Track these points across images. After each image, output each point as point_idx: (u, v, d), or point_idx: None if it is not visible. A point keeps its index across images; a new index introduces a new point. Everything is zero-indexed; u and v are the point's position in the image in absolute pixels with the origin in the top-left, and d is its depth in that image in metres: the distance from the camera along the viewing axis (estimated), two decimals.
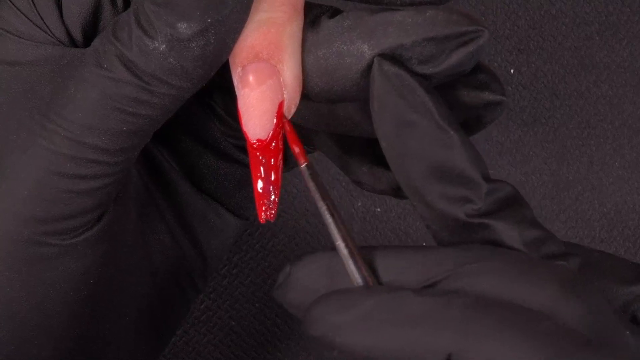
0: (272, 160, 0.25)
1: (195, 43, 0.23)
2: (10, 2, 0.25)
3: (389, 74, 0.23)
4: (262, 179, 0.25)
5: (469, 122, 0.26)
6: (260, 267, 0.44)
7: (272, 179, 0.25)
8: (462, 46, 0.23)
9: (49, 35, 0.25)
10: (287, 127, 0.25)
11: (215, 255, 0.32)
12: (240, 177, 0.31)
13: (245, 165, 0.31)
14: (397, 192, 0.29)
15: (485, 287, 0.21)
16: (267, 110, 0.24)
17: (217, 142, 0.31)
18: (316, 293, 0.23)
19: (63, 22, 0.25)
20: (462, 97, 0.25)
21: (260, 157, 0.25)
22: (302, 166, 0.25)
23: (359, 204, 0.45)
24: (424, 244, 0.47)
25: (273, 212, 0.26)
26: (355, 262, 0.23)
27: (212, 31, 0.23)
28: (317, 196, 0.24)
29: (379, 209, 0.46)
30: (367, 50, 0.24)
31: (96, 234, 0.26)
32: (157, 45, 0.23)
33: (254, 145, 0.25)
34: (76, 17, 0.26)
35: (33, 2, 0.25)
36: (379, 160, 0.29)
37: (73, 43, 0.26)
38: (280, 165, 0.25)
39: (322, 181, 0.24)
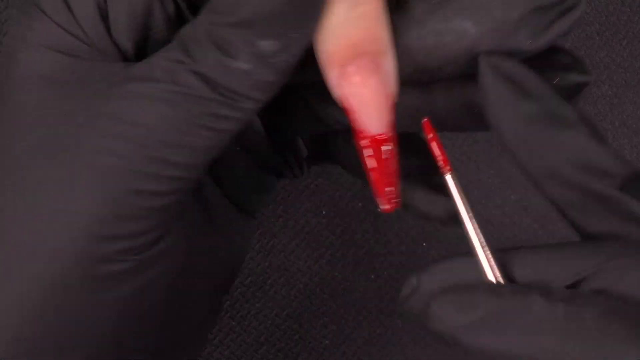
0: (388, 152, 0.25)
1: (280, 57, 0.23)
2: (51, 18, 0.25)
3: (497, 64, 0.23)
4: (381, 172, 0.25)
5: None
6: (260, 267, 0.44)
7: (390, 169, 0.25)
8: (564, 14, 0.23)
9: (96, 49, 0.25)
10: (432, 136, 0.25)
11: (241, 255, 0.32)
12: (260, 183, 0.31)
13: (266, 169, 0.31)
14: (449, 220, 0.29)
15: (632, 284, 0.21)
16: (383, 104, 0.24)
17: (251, 149, 0.31)
18: None
19: (110, 35, 0.25)
20: (550, 79, 0.25)
21: (376, 152, 0.25)
22: (448, 175, 0.24)
23: (360, 204, 0.45)
24: (424, 243, 0.47)
25: (396, 200, 0.26)
26: (491, 264, 0.23)
27: (296, 44, 0.23)
28: (462, 202, 0.24)
29: (379, 210, 0.46)
30: (470, 27, 0.23)
31: (167, 245, 0.26)
32: (240, 64, 0.23)
33: (374, 140, 0.24)
34: (125, 28, 0.25)
35: (74, 16, 0.25)
36: (431, 187, 0.29)
37: (123, 55, 0.25)
38: (396, 155, 0.25)
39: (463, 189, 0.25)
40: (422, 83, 0.26)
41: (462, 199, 0.24)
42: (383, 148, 0.25)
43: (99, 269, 0.24)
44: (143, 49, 0.26)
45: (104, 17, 0.25)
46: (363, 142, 0.24)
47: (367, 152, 0.25)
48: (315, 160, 0.32)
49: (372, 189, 0.26)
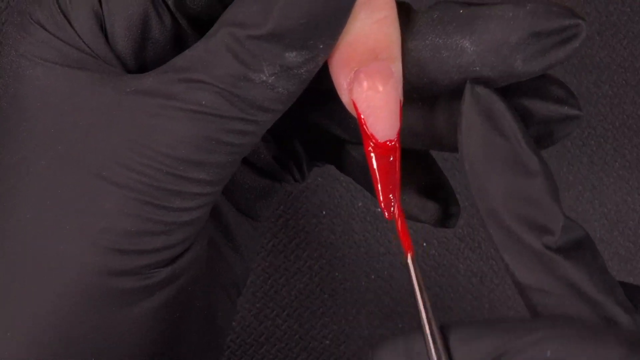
0: (392, 158, 0.25)
1: (305, 68, 0.23)
2: (52, 33, 0.24)
3: (480, 95, 0.23)
4: (386, 179, 0.25)
5: (541, 136, 0.25)
6: (261, 267, 0.44)
7: (395, 176, 0.25)
8: (566, 41, 0.23)
9: (101, 60, 0.24)
10: (400, 220, 0.25)
11: (251, 259, 0.32)
12: (262, 189, 0.31)
13: (270, 177, 0.31)
14: (441, 222, 0.29)
15: (548, 356, 0.21)
16: (394, 110, 0.24)
17: (250, 157, 0.30)
18: None
19: (110, 47, 0.25)
20: (540, 110, 0.25)
21: (384, 158, 0.25)
22: (409, 258, 0.25)
23: (360, 204, 0.45)
24: (424, 243, 0.47)
25: (397, 207, 0.26)
26: (436, 346, 0.23)
27: (322, 54, 0.23)
28: (418, 285, 0.25)
29: (379, 209, 0.46)
30: (468, 46, 0.23)
31: (191, 257, 0.26)
32: (264, 78, 0.23)
33: (382, 146, 0.24)
34: (123, 39, 0.25)
35: (75, 30, 0.24)
36: (421, 191, 0.29)
37: (123, 65, 0.25)
38: (400, 162, 0.25)
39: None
40: (422, 100, 0.26)
41: (419, 281, 0.25)
42: (390, 154, 0.25)
43: (125, 283, 0.24)
44: (142, 59, 0.25)
45: (102, 28, 0.24)
46: (371, 148, 0.24)
47: (374, 158, 0.25)
48: (315, 160, 0.32)
49: (376, 194, 0.26)
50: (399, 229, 0.26)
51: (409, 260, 0.25)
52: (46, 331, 0.24)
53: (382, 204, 0.26)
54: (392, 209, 0.26)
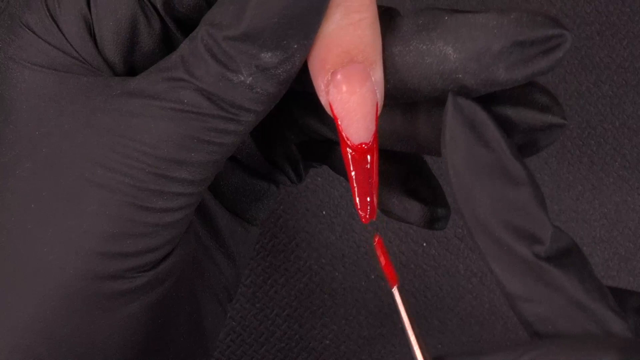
0: (369, 162, 0.25)
1: (282, 69, 0.23)
2: (40, 37, 0.24)
3: (462, 106, 0.23)
4: (362, 181, 0.25)
5: (525, 145, 0.25)
6: (261, 267, 0.44)
7: (371, 179, 0.25)
8: (550, 51, 0.23)
9: (88, 64, 0.25)
10: (382, 254, 0.25)
11: (243, 264, 0.32)
12: (256, 191, 0.31)
13: (265, 179, 0.31)
14: (428, 223, 0.29)
15: None
16: (369, 113, 0.24)
17: (243, 159, 0.30)
18: None
19: (98, 50, 0.25)
20: (524, 119, 0.25)
21: (359, 160, 0.25)
22: (394, 289, 0.25)
23: None
24: (424, 243, 0.47)
25: (374, 211, 0.26)
26: None
27: (298, 55, 0.23)
28: (406, 319, 0.25)
29: (380, 209, 0.46)
30: (451, 53, 0.23)
31: (176, 260, 0.26)
32: (242, 78, 0.23)
33: (357, 149, 0.24)
34: (111, 43, 0.25)
35: (63, 34, 0.24)
36: (409, 192, 0.29)
37: (112, 69, 0.25)
38: (377, 166, 0.25)
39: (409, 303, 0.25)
40: (404, 104, 0.26)
41: (406, 312, 0.25)
42: (366, 157, 0.25)
43: (108, 287, 0.24)
44: (130, 63, 0.25)
45: (91, 32, 0.25)
46: (347, 150, 0.24)
47: (349, 160, 0.25)
48: (310, 161, 0.32)
49: (352, 197, 0.26)
50: (382, 262, 0.26)
51: (395, 293, 0.25)
52: (29, 334, 0.24)
53: (358, 207, 0.26)
54: (368, 209, 0.26)
